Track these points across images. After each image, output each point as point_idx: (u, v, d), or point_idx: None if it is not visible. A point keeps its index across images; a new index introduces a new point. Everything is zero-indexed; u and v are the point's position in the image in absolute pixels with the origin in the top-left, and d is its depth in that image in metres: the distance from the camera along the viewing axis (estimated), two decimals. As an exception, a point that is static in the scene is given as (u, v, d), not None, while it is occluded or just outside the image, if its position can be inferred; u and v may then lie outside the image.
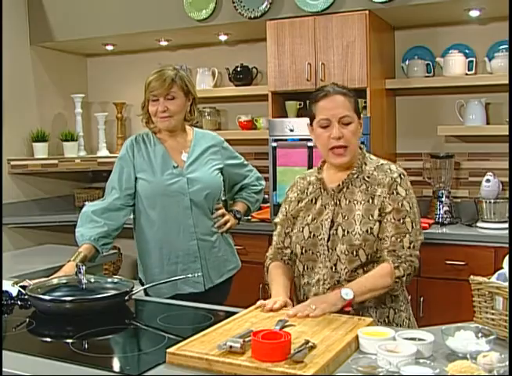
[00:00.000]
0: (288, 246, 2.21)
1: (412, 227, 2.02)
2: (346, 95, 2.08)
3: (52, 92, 4.77)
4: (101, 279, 2.16)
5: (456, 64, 3.73)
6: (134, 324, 1.96)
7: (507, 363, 1.40)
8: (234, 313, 1.87)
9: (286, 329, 1.63)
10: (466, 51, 3.81)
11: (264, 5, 3.77)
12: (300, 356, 1.43)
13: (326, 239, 2.06)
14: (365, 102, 3.61)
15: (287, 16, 3.73)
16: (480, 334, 1.57)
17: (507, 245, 3.02)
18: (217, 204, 2.67)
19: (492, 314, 1.70)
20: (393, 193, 2.04)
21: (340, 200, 2.09)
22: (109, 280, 2.16)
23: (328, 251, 2.05)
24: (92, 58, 5.08)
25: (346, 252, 2.01)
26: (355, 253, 2.00)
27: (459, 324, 1.62)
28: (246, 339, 1.51)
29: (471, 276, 1.80)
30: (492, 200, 3.56)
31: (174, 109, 2.56)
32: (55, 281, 2.11)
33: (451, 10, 3.57)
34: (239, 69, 4.33)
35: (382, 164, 2.13)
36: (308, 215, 2.13)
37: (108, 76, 5.00)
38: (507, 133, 3.62)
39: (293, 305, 1.96)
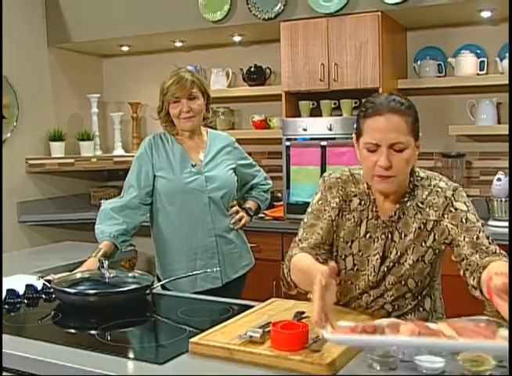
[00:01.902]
0: (329, 248, 1.92)
1: (482, 227, 1.81)
2: (403, 113, 1.73)
3: (69, 92, 4.86)
4: (122, 273, 2.23)
5: (467, 64, 3.78)
6: (155, 317, 2.02)
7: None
8: (252, 307, 1.94)
9: (303, 321, 1.69)
10: (478, 51, 3.85)
11: (278, 7, 3.83)
12: (317, 345, 1.50)
13: (372, 276, 1.87)
14: (378, 102, 3.66)
15: (301, 18, 3.80)
16: (490, 326, 1.62)
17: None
18: (231, 202, 2.75)
19: (503, 307, 1.75)
20: (451, 211, 1.80)
21: (392, 233, 1.85)
22: (131, 274, 2.23)
23: (373, 284, 1.88)
24: (108, 58, 5.17)
25: (394, 282, 1.86)
26: (403, 282, 1.86)
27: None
28: (266, 329, 1.57)
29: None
30: (503, 199, 3.60)
31: (196, 108, 2.63)
32: (78, 275, 2.18)
33: (462, 11, 3.62)
34: (252, 69, 4.40)
35: (434, 185, 1.86)
36: (352, 242, 1.89)
37: (123, 76, 5.08)
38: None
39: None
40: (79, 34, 4.54)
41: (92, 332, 1.81)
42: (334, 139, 3.69)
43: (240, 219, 2.76)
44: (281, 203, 4.02)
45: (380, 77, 3.61)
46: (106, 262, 2.16)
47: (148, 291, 2.10)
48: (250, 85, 4.42)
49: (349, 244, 1.90)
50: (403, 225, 1.85)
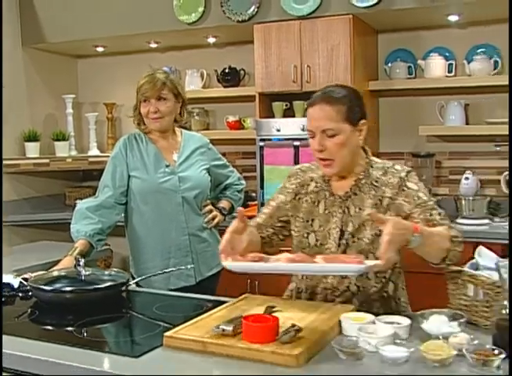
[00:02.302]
0: (274, 229, 2.17)
1: (434, 205, 1.98)
2: (335, 103, 1.94)
3: (44, 93, 4.86)
4: (98, 271, 2.27)
5: (436, 66, 3.87)
6: (130, 313, 2.06)
7: (476, 342, 1.54)
8: (225, 303, 1.99)
9: (274, 314, 1.75)
10: (447, 54, 3.95)
11: (251, 9, 3.89)
12: (287, 337, 1.56)
13: (335, 249, 2.01)
14: (350, 103, 3.74)
15: (274, 20, 3.86)
16: (452, 318, 1.70)
17: (485, 240, 3.16)
18: (204, 202, 2.80)
19: (465, 300, 1.84)
20: (404, 190, 1.98)
21: (348, 208, 2.02)
22: (106, 272, 2.27)
23: None
24: (83, 59, 5.17)
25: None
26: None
27: (433, 309, 1.75)
28: (238, 323, 1.63)
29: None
30: (471, 198, 3.71)
31: (164, 110, 2.68)
32: (55, 273, 2.21)
33: (431, 15, 3.71)
34: (227, 70, 4.45)
35: (388, 167, 2.05)
36: (313, 220, 2.07)
37: (98, 77, 5.09)
38: (486, 133, 3.78)
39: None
40: (54, 35, 4.55)
41: (69, 328, 1.85)
42: (307, 139, 3.74)
43: (213, 218, 2.82)
44: (255, 202, 4.08)
45: (352, 78, 3.68)
46: (82, 260, 2.19)
47: (123, 288, 2.14)
48: (224, 86, 4.47)
49: (310, 222, 2.08)
50: (359, 200, 2.02)
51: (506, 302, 1.55)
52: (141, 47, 4.69)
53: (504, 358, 1.45)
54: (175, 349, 1.62)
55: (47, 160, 4.64)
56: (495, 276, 1.77)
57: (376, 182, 2.01)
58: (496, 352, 1.47)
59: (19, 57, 4.65)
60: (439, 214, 1.97)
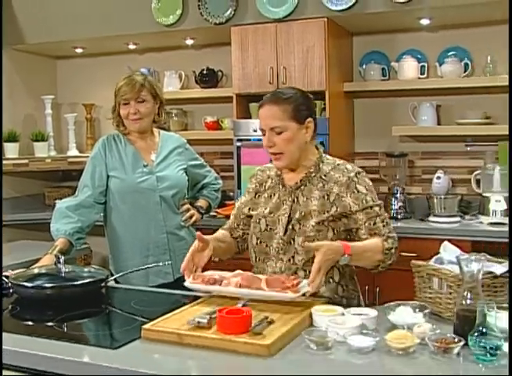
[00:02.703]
0: (242, 228, 2.36)
1: (380, 210, 2.15)
2: (281, 103, 2.11)
3: (23, 93, 4.88)
4: (78, 268, 2.33)
5: (409, 68, 3.98)
6: (109, 308, 2.13)
7: (438, 331, 1.63)
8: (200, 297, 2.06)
9: (246, 307, 1.82)
10: (419, 56, 4.06)
11: (228, 12, 3.96)
12: (259, 328, 1.63)
13: (282, 233, 2.17)
14: (325, 104, 3.83)
15: (251, 23, 3.94)
16: (417, 310, 1.79)
17: (456, 237, 3.26)
18: (182, 201, 2.87)
19: (430, 293, 1.93)
20: (354, 191, 2.13)
21: (297, 197, 2.19)
22: (86, 269, 2.33)
23: (284, 245, 2.16)
24: (61, 60, 5.21)
25: (303, 245, 2.11)
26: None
27: (399, 301, 1.84)
28: (213, 316, 1.70)
29: (412, 261, 2.03)
30: (443, 196, 3.81)
31: (144, 111, 2.74)
32: (35, 270, 2.27)
33: (404, 18, 3.82)
34: (205, 72, 4.51)
35: (338, 164, 2.22)
36: (266, 208, 2.25)
37: (77, 78, 5.12)
38: (457, 133, 3.89)
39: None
40: (33, 36, 4.58)
41: (49, 323, 1.90)
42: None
43: (191, 217, 2.88)
44: (232, 201, 4.14)
45: (327, 80, 3.77)
46: (63, 257, 2.25)
47: (103, 285, 2.20)
48: (202, 87, 4.53)
49: (262, 209, 2.27)
50: (307, 191, 2.19)
51: (466, 293, 1.64)
52: (120, 48, 4.74)
53: (463, 345, 1.55)
54: (153, 341, 1.69)
55: (26, 161, 4.67)
56: (457, 269, 1.86)
57: (325, 176, 2.19)
58: (456, 340, 1.56)
59: (-2, 58, 4.68)
60: (382, 221, 2.15)
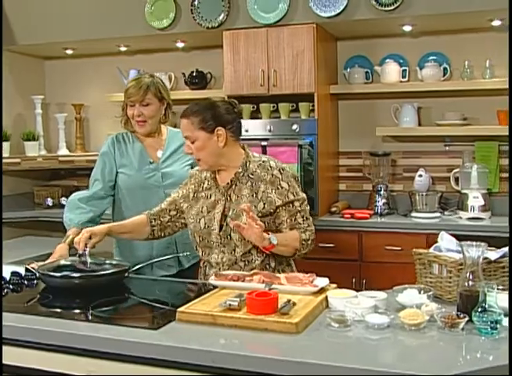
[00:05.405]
0: (169, 215, 2.61)
1: (301, 206, 2.42)
2: (189, 116, 2.38)
3: (12, 93, 4.95)
4: (99, 261, 2.44)
5: (391, 72, 4.18)
6: (132, 297, 2.28)
7: (443, 310, 1.83)
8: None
9: (272, 290, 1.99)
10: (401, 60, 4.26)
11: (221, 17, 4.12)
12: (286, 309, 1.81)
13: (218, 230, 2.41)
14: (313, 105, 4.02)
15: (242, 27, 4.09)
16: (422, 292, 1.98)
17: (436, 232, 3.44)
18: None
19: (431, 278, 2.13)
20: (278, 188, 2.39)
21: (230, 196, 2.44)
22: (108, 261, 2.47)
23: (222, 239, 2.41)
24: (50, 61, 5.28)
25: (240, 239, 2.36)
26: (247, 239, 2.32)
27: (405, 285, 2.04)
28: (242, 298, 1.88)
29: (414, 249, 2.23)
30: (424, 193, 4.03)
31: (148, 114, 2.90)
32: (62, 262, 2.41)
33: (387, 25, 4.02)
34: (194, 74, 4.66)
35: (264, 161, 2.46)
36: (203, 208, 2.48)
37: (66, 78, 5.21)
38: (436, 134, 4.11)
39: None
40: (24, 37, 4.66)
41: (80, 311, 2.05)
42: (274, 139, 4.02)
43: None
44: (224, 199, 4.30)
45: (316, 82, 3.96)
46: (87, 249, 2.39)
47: (126, 274, 2.35)
48: (191, 89, 4.67)
49: (201, 209, 2.49)
50: (238, 190, 2.43)
51: (468, 275, 1.84)
52: (110, 50, 4.84)
53: (467, 321, 1.75)
54: (187, 323, 1.85)
55: (18, 160, 4.76)
56: (455, 256, 2.07)
57: (253, 174, 2.43)
58: (461, 316, 1.77)
59: (-11, 58, 4.74)
60: (303, 216, 2.43)
